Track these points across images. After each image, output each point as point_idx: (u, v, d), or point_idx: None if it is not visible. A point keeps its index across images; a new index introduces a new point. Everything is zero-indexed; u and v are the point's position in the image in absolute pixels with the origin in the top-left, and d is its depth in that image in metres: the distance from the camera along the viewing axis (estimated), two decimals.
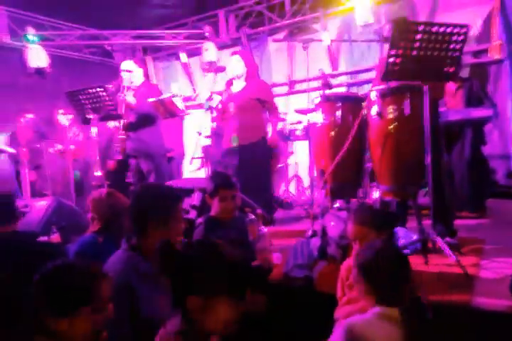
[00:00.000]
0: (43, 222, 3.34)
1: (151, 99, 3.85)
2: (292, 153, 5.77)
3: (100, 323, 1.33)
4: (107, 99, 3.56)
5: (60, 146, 5.27)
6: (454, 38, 2.62)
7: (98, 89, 3.50)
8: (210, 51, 6.89)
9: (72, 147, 4.90)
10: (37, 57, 6.27)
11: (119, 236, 2.28)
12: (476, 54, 5.44)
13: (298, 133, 5.29)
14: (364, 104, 2.99)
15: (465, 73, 4.95)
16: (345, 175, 3.11)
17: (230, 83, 4.07)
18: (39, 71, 6.40)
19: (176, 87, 4.72)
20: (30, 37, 6.20)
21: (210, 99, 3.84)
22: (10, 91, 5.99)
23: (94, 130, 3.79)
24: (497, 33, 5.23)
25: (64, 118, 5.56)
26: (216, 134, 4.37)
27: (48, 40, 6.72)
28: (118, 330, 1.50)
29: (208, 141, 5.28)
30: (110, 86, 3.79)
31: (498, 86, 5.35)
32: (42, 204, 3.52)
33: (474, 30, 5.14)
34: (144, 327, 1.53)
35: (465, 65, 4.41)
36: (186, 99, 6.27)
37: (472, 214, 4.14)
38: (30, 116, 5.57)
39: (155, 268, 1.42)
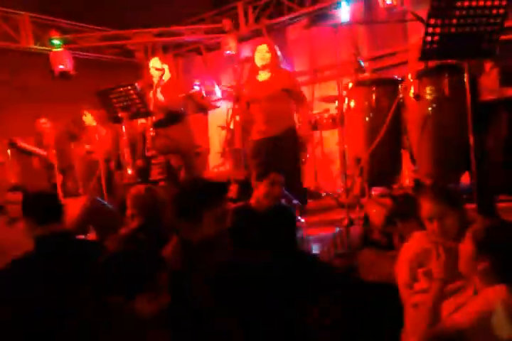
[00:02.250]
0: (79, 220, 3.37)
1: (180, 95, 3.83)
2: (319, 143, 5.68)
3: (155, 309, 1.36)
4: (136, 96, 3.56)
5: (87, 146, 5.32)
6: (494, 11, 2.51)
7: (128, 88, 3.50)
8: (230, 45, 6.86)
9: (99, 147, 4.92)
10: (61, 60, 6.35)
11: (159, 231, 2.28)
12: (507, 30, 5.21)
13: (325, 122, 5.18)
14: (400, 86, 2.89)
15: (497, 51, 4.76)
16: (382, 162, 3.02)
17: (255, 73, 3.99)
18: (64, 74, 6.48)
19: (198, 83, 4.69)
20: (54, 41, 6.28)
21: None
22: (37, 95, 6.09)
23: (124, 128, 3.79)
24: None
25: (90, 119, 5.61)
26: (241, 127, 4.32)
27: (71, 43, 6.79)
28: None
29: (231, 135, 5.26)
30: (139, 84, 3.78)
31: None
32: (77, 203, 3.55)
33: None
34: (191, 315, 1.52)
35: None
36: (209, 92, 6.24)
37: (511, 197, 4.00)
38: (43, 120, 5.61)
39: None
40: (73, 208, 3.53)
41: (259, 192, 2.51)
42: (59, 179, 4.95)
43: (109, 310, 1.34)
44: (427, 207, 1.88)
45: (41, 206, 2.06)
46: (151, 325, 1.38)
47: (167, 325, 1.42)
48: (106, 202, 3.82)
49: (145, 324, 1.37)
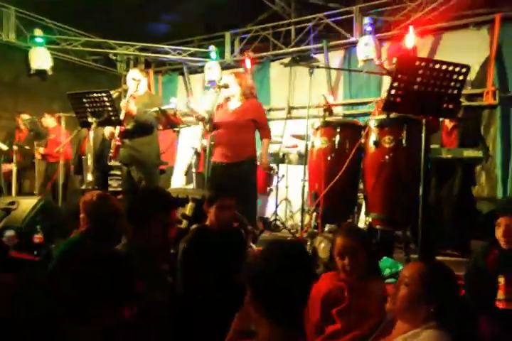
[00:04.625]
0: (27, 219, 3.29)
1: (154, 109, 3.87)
2: (284, 176, 5.81)
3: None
4: (109, 104, 3.57)
5: (41, 149, 5.21)
6: (455, 76, 2.73)
7: (102, 94, 3.51)
8: (213, 70, 7.03)
9: (57, 150, 4.84)
10: (40, 58, 6.32)
11: (107, 237, 2.28)
12: (471, 97, 5.64)
13: (292, 156, 5.34)
14: (363, 132, 3.06)
15: (459, 115, 5.12)
16: (338, 199, 3.15)
17: (227, 100, 4.10)
18: (40, 72, 6.43)
19: (174, 101, 4.75)
20: (37, 39, 6.26)
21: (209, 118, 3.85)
22: (10, 90, 5.99)
23: (91, 134, 3.78)
24: (492, 79, 5.45)
25: (50, 121, 5.54)
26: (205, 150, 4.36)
27: (54, 43, 6.78)
28: None
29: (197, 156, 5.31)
30: (113, 92, 3.81)
31: (488, 130, 5.53)
32: (29, 202, 3.47)
33: (471, 75, 5.35)
34: None
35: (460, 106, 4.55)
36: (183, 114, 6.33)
37: (456, 252, 4.19)
38: (25, 116, 5.55)
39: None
40: (24, 207, 3.45)
41: (210, 215, 2.53)
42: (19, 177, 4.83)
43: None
44: (339, 243, 1.97)
45: None
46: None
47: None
48: (58, 205, 3.75)
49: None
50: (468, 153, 4.19)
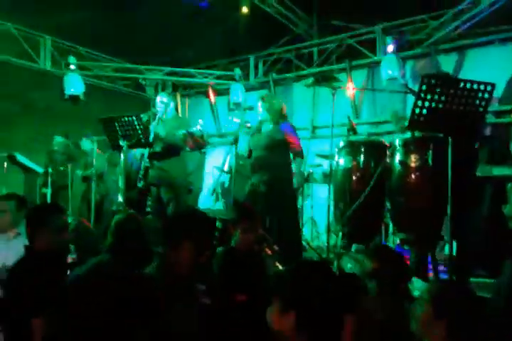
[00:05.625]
0: None
1: (182, 131, 3.99)
2: (309, 195, 5.82)
3: None
4: (139, 127, 3.70)
5: (80, 171, 5.42)
6: (480, 94, 2.73)
7: (133, 118, 3.65)
8: (238, 92, 7.19)
9: (94, 171, 5.04)
10: (74, 84, 6.61)
11: (131, 256, 2.34)
12: (499, 114, 5.56)
13: (317, 176, 5.36)
14: (388, 151, 3.07)
15: (487, 132, 5.05)
16: (364, 220, 3.14)
17: (259, 123, 4.19)
18: (73, 97, 6.71)
19: (201, 124, 4.90)
20: (71, 66, 6.57)
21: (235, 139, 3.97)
22: (46, 115, 6.27)
23: (122, 156, 3.91)
24: None
25: (87, 143, 5.76)
26: (236, 171, 4.45)
27: (87, 69, 7.10)
28: None
29: (227, 177, 5.39)
30: (143, 116, 3.95)
31: None
32: None
33: (497, 92, 5.29)
34: None
35: (487, 123, 4.50)
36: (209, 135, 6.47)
37: (488, 273, 4.07)
38: (60, 139, 5.78)
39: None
40: None
41: (235, 237, 2.55)
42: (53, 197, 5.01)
43: None
44: (370, 265, 1.98)
45: None
46: None
47: None
48: (91, 226, 3.86)
49: None
50: (498, 170, 4.12)
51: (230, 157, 5.50)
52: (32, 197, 5.21)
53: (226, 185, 5.98)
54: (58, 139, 5.77)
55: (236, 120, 4.16)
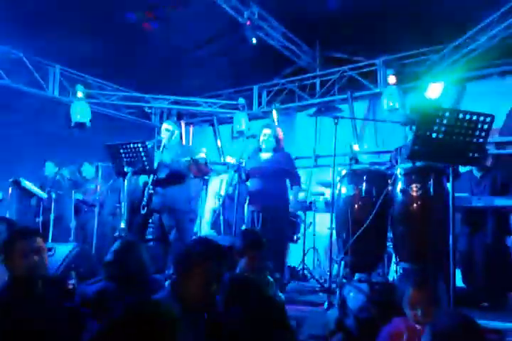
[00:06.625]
0: (63, 266, 3.39)
1: (186, 158, 4.05)
2: (311, 223, 5.80)
3: None
4: (144, 154, 3.75)
5: (80, 196, 5.45)
6: (479, 125, 2.77)
7: (138, 145, 3.71)
8: (241, 121, 7.31)
9: (95, 198, 5.06)
10: (81, 112, 6.75)
11: (134, 285, 2.33)
12: (500, 145, 5.62)
13: (319, 204, 5.37)
14: (390, 180, 3.10)
15: (488, 163, 5.08)
16: (366, 248, 3.12)
17: (258, 151, 4.27)
18: (80, 125, 6.83)
19: (205, 151, 4.97)
20: (78, 94, 6.73)
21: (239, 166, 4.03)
22: (52, 141, 6.37)
23: (125, 183, 3.93)
24: None
25: (90, 170, 5.82)
26: (229, 198, 4.47)
27: (93, 97, 7.26)
28: None
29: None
30: (148, 143, 4.01)
31: None
32: (65, 248, 3.59)
33: (497, 123, 5.37)
34: None
35: (489, 154, 4.53)
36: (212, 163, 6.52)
37: (491, 304, 4.00)
38: (51, 166, 5.81)
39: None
40: (60, 253, 3.57)
41: (241, 263, 2.55)
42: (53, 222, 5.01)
43: None
44: (413, 294, 1.97)
45: None
46: None
47: None
48: (92, 252, 3.85)
49: None
50: (500, 201, 4.12)
51: (226, 184, 5.57)
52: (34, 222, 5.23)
53: (217, 211, 5.99)
54: (50, 165, 5.83)
55: (230, 160, 4.22)
